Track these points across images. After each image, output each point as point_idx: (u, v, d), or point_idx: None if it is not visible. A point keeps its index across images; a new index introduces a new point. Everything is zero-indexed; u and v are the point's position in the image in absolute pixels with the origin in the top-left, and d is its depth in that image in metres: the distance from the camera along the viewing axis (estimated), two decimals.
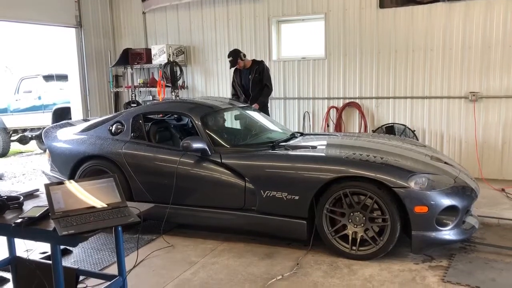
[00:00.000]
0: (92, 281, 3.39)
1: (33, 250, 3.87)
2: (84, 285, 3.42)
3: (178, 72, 8.09)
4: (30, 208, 2.57)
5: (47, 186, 2.53)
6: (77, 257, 4.06)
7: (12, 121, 10.95)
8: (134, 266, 3.71)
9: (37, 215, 2.44)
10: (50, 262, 2.47)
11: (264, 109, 6.30)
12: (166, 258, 3.99)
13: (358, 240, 3.78)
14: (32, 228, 2.40)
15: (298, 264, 3.76)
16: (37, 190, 3.02)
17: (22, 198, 2.75)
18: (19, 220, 2.40)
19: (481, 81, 6.27)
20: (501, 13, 6.05)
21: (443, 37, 6.41)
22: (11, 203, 2.66)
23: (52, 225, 2.37)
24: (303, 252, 3.98)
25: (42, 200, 2.78)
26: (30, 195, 2.97)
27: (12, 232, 2.46)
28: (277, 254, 4.00)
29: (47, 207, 2.48)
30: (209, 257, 3.98)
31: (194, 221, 4.43)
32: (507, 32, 6.03)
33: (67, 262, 3.95)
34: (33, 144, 11.27)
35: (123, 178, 4.46)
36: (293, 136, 4.99)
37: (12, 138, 10.73)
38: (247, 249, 4.13)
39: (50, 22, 8.07)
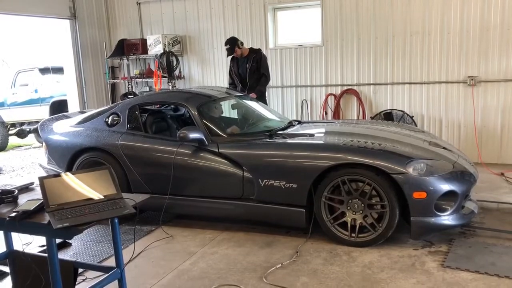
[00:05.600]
0: (91, 273, 3.39)
1: (31, 243, 3.86)
2: (84, 277, 3.42)
3: (174, 62, 8.04)
4: (25, 201, 2.55)
5: (41, 179, 2.51)
6: (77, 250, 4.06)
7: (9, 115, 10.91)
8: (132, 258, 3.70)
9: (31, 209, 2.42)
10: (46, 255, 2.46)
11: (261, 98, 6.23)
12: (165, 249, 3.99)
13: (357, 227, 3.77)
14: (27, 222, 2.38)
15: (297, 252, 3.75)
16: (32, 183, 3.00)
17: (16, 191, 2.72)
18: (13, 214, 2.38)
19: (480, 65, 6.22)
20: None
21: (440, 21, 6.34)
22: (5, 197, 2.64)
23: (47, 218, 2.35)
24: (303, 240, 3.97)
25: (37, 194, 2.75)
26: (25, 188, 2.93)
27: (7, 226, 2.44)
28: (277, 242, 4.00)
29: (42, 200, 2.46)
30: (208, 247, 3.98)
31: (192, 211, 4.42)
32: (505, 14, 5.96)
33: (66, 254, 3.94)
34: (31, 137, 11.24)
35: (120, 169, 4.44)
36: (290, 124, 4.95)
37: (10, 132, 10.70)
38: (246, 238, 4.12)
39: (44, 14, 7.99)
